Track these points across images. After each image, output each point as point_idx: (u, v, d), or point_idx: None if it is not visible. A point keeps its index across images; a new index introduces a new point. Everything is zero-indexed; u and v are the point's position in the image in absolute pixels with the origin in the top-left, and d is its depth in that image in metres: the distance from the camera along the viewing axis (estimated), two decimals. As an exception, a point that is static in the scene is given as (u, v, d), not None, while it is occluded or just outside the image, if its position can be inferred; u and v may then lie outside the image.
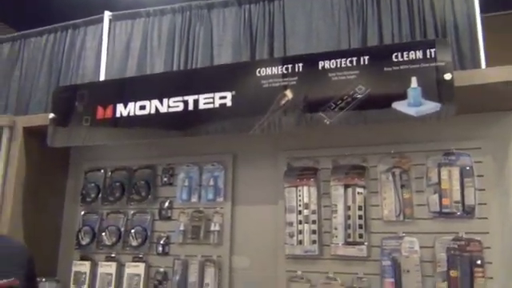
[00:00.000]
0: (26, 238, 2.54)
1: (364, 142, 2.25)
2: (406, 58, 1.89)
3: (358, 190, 2.19)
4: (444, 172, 2.08)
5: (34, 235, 2.58)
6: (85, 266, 2.61)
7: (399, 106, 1.85)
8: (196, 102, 2.20)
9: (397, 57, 1.90)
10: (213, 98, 2.16)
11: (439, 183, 2.08)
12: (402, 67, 1.88)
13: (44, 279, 2.54)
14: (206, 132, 2.23)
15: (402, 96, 1.86)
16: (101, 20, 3.16)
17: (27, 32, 3.36)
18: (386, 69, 1.91)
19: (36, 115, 2.69)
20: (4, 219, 2.48)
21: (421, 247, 2.05)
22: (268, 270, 2.31)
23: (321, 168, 2.31)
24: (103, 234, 2.61)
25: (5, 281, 1.56)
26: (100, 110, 2.40)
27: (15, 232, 2.49)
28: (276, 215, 2.34)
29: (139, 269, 2.51)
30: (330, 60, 1.98)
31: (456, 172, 2.06)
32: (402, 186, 2.15)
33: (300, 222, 2.25)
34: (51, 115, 2.49)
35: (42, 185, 2.68)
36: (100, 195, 2.71)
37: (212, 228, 2.43)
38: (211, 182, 2.49)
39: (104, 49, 3.04)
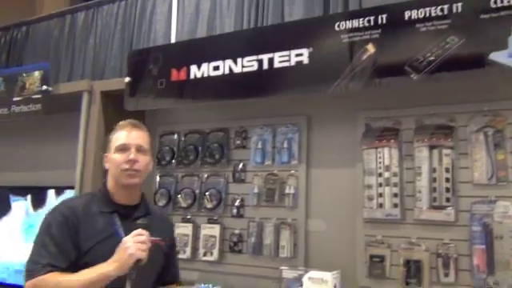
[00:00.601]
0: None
1: (451, 100, 2.08)
2: (506, 3, 1.69)
3: (445, 151, 2.05)
4: (545, 131, 1.88)
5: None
6: (162, 227, 2.67)
7: (498, 57, 1.68)
8: (271, 60, 2.13)
9: (495, 2, 1.71)
10: (288, 55, 2.08)
11: (539, 143, 1.89)
12: (501, 13, 1.69)
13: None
14: (281, 92, 2.17)
15: (502, 46, 1.67)
16: (170, -16, 3.14)
17: (100, 0, 3.41)
18: (482, 16, 1.72)
19: (112, 79, 2.75)
20: (86, 179, 2.58)
21: (516, 212, 1.89)
22: (345, 233, 2.24)
23: (403, 128, 2.17)
24: (179, 196, 2.66)
25: (154, 238, 1.62)
26: (174, 72, 2.40)
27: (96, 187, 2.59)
28: (353, 178, 2.25)
29: (214, 230, 2.53)
30: (417, 9, 1.83)
31: (560, 131, 1.86)
32: (496, 147, 1.97)
33: (380, 185, 2.15)
34: (127, 79, 2.53)
35: (120, 148, 2.74)
36: (175, 158, 2.74)
37: (287, 191, 2.39)
38: (285, 145, 2.43)
39: (174, 12, 3.02)
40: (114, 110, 2.69)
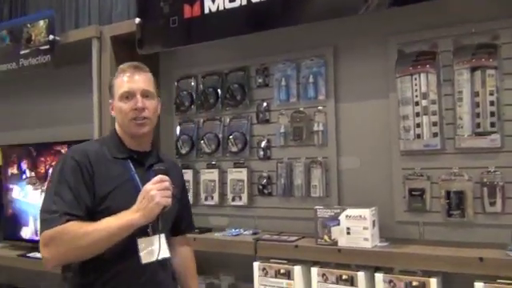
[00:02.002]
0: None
1: (494, 15, 1.88)
2: None
3: (489, 71, 1.87)
4: None
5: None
6: (187, 175, 2.58)
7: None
8: (292, -16, 1.93)
9: None
10: (312, -23, 1.88)
11: None
12: None
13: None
14: (304, 19, 1.99)
15: None
16: None
17: None
18: None
19: (122, 22, 2.58)
20: (104, 131, 2.48)
21: None
22: (381, 168, 2.12)
23: (440, 51, 1.99)
24: (201, 141, 2.55)
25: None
26: (187, 8, 2.22)
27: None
28: (387, 109, 2.11)
29: (242, 174, 2.44)
30: None
31: None
32: (547, 63, 1.79)
33: (417, 115, 2.00)
34: (137, 20, 2.36)
35: (136, 96, 2.62)
36: (194, 103, 2.62)
37: (315, 128, 2.26)
38: (311, 79, 2.27)
39: None
40: (127, 56, 2.49)
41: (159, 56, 2.73)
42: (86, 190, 1.50)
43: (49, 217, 1.45)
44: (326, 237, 1.97)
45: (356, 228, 1.92)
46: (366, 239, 1.90)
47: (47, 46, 2.62)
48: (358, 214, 1.92)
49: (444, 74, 1.97)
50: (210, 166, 2.55)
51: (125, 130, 1.62)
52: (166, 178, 1.52)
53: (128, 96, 1.58)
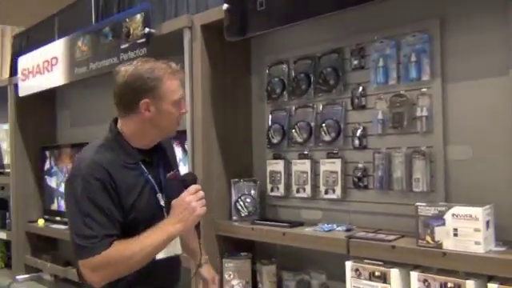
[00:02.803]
0: (220, 139, 2.51)
1: None
2: None
3: None
4: None
5: (227, 136, 2.54)
6: (279, 165, 2.47)
7: None
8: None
9: None
10: None
11: None
12: None
13: (242, 180, 2.51)
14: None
15: None
16: None
17: None
18: None
19: (211, 9, 2.52)
20: (196, 121, 2.47)
21: None
22: (498, 159, 1.79)
23: None
24: (293, 130, 2.41)
25: (172, 173, 1.70)
26: (274, -12, 2.08)
27: (209, 134, 2.47)
28: (507, 88, 1.76)
29: (335, 165, 2.25)
30: None
31: None
32: None
33: (547, 94, 1.64)
34: (225, 6, 2.29)
35: (228, 84, 2.57)
36: (285, 90, 2.48)
37: (418, 113, 1.98)
38: (413, 58, 2.00)
39: None
40: (217, 45, 2.49)
41: (250, 42, 2.65)
42: (115, 207, 1.51)
43: (88, 243, 1.46)
44: (428, 238, 1.71)
45: (465, 229, 1.63)
46: (477, 243, 1.61)
47: (143, 40, 2.67)
48: (467, 212, 1.63)
49: None
50: (301, 157, 2.39)
51: (162, 131, 1.64)
52: (199, 187, 1.57)
53: (181, 102, 1.65)
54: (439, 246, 1.68)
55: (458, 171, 1.90)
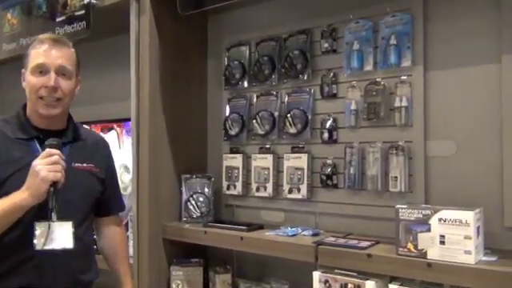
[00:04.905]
0: (170, 129, 2.20)
1: None
2: None
3: None
4: None
5: (178, 126, 2.23)
6: (237, 160, 2.19)
7: None
8: None
9: None
10: None
11: None
12: None
13: (194, 176, 2.21)
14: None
15: None
16: None
17: None
18: None
19: (163, -22, 2.20)
20: (142, 108, 2.14)
21: None
22: (485, 156, 1.61)
23: None
24: (254, 121, 2.13)
25: (85, 165, 1.58)
26: (235, -48, 1.80)
27: (156, 123, 2.15)
28: (498, 77, 1.57)
29: (301, 161, 2.00)
30: None
31: None
32: None
33: (545, 83, 1.45)
34: (178, -27, 1.98)
35: (181, 67, 2.26)
36: (246, 75, 2.20)
37: (396, 104, 1.77)
38: (392, 41, 1.78)
39: None
40: (169, 19, 2.18)
41: (207, 20, 2.35)
42: None
43: None
44: (410, 245, 1.49)
45: (454, 236, 1.41)
46: (467, 252, 1.40)
47: (82, 12, 2.31)
48: (457, 217, 1.41)
49: None
50: (263, 151, 2.13)
51: (31, 107, 1.53)
52: (55, 151, 1.42)
53: (42, 71, 1.49)
54: (423, 255, 1.46)
55: (439, 169, 1.70)
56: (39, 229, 1.42)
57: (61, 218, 1.43)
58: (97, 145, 1.72)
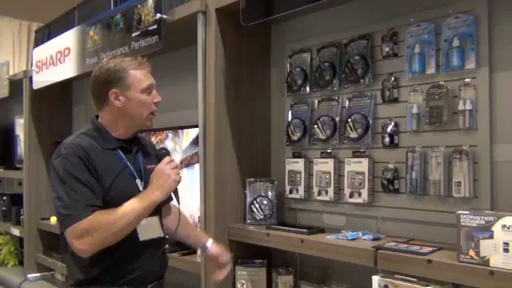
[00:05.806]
0: (235, 135, 2.28)
1: None
2: None
3: None
4: None
5: (242, 132, 2.32)
6: (299, 164, 2.24)
7: None
8: None
9: None
10: None
11: None
12: None
13: (258, 180, 2.29)
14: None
15: None
16: None
17: None
18: None
19: (227, -8, 2.30)
20: (209, 115, 2.25)
21: None
22: (558, 162, 1.51)
23: None
24: (315, 126, 2.17)
25: (153, 166, 1.73)
26: (294, -36, 1.85)
27: (222, 129, 2.24)
28: None
29: (362, 165, 2.00)
30: None
31: None
32: None
33: None
34: (241, -13, 2.07)
35: (245, 75, 2.35)
36: (307, 81, 2.24)
37: (460, 107, 1.72)
38: (455, 43, 1.74)
39: None
40: (234, 30, 2.27)
41: (270, 29, 2.42)
42: (96, 183, 1.58)
43: (72, 212, 1.52)
44: (472, 252, 1.45)
45: (519, 244, 1.36)
46: (534, 261, 1.34)
47: (155, 26, 2.47)
48: (522, 224, 1.36)
49: None
50: (324, 155, 2.15)
51: (136, 121, 1.70)
52: (172, 158, 1.72)
53: (150, 89, 1.70)
54: (485, 262, 1.42)
55: (506, 174, 1.63)
56: (143, 222, 1.64)
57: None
58: (151, 146, 1.91)
